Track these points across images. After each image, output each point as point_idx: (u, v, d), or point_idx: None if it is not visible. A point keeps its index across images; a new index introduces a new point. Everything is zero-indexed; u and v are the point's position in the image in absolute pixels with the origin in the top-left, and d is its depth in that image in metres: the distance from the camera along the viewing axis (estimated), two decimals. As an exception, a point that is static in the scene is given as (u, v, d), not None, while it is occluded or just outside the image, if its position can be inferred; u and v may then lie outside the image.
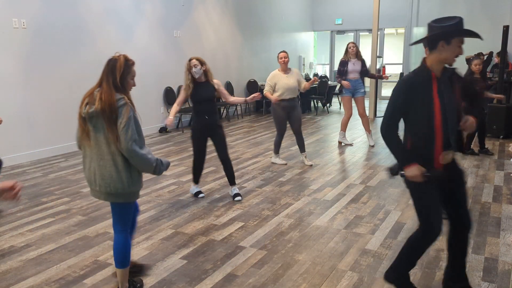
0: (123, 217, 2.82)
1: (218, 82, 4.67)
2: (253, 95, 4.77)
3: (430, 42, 2.48)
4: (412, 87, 2.49)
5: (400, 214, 4.27)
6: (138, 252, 3.49)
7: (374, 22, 10.46)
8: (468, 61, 9.82)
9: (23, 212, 4.40)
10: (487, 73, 8.91)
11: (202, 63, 4.49)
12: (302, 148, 6.18)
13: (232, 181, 4.81)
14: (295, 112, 5.96)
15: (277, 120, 6.02)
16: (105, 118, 2.57)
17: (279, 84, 5.78)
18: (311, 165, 6.10)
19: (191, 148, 4.82)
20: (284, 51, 5.90)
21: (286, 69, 5.85)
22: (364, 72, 7.21)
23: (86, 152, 2.72)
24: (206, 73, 4.53)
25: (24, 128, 6.47)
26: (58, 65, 6.86)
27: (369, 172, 5.80)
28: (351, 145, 7.45)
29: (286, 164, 6.19)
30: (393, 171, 2.65)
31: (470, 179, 5.38)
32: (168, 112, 9.23)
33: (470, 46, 10.10)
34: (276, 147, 6.23)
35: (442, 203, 2.66)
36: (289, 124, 6.02)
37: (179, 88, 9.56)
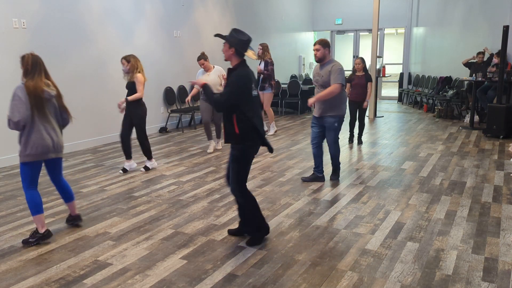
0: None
1: (138, 78, 5.57)
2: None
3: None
4: None
5: (400, 214, 4.27)
6: (138, 252, 3.49)
7: (374, 22, 10.46)
8: (467, 64, 9.85)
9: (23, 212, 4.41)
10: (487, 74, 8.92)
11: (128, 61, 5.57)
12: (218, 135, 7.28)
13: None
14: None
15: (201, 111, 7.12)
16: (59, 99, 3.71)
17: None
18: (220, 148, 7.24)
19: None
20: (200, 59, 6.78)
21: (207, 70, 6.84)
22: (265, 71, 8.28)
23: (38, 125, 3.52)
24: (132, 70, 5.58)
25: (24, 128, 6.46)
26: (58, 65, 6.86)
27: (369, 172, 5.81)
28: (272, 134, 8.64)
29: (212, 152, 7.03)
30: None
31: (470, 179, 5.38)
32: (168, 112, 9.24)
33: (470, 47, 10.14)
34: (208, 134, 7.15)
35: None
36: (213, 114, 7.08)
37: (179, 88, 9.57)
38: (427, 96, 11.70)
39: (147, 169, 5.96)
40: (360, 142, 7.61)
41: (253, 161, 6.47)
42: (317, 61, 5.08)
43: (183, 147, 7.42)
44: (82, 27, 7.26)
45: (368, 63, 10.41)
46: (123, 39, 8.06)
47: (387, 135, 8.47)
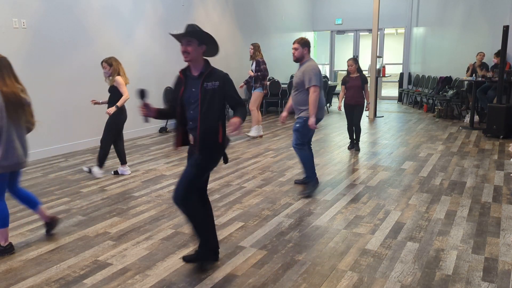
0: None
1: (117, 80, 5.37)
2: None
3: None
4: None
5: (400, 214, 4.27)
6: (138, 252, 3.49)
7: (374, 22, 10.46)
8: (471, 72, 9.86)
9: (23, 212, 4.40)
10: (488, 73, 8.92)
11: (109, 64, 5.38)
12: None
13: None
14: None
15: None
16: (28, 105, 3.40)
17: None
18: None
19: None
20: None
21: None
22: (258, 72, 8.12)
23: (14, 134, 3.29)
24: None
25: (24, 128, 6.46)
26: (58, 65, 6.87)
27: (369, 172, 5.81)
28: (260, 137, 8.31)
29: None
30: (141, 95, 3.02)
31: (470, 179, 5.38)
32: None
33: (470, 47, 10.14)
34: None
35: None
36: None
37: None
38: (427, 96, 11.70)
39: (90, 172, 5.69)
40: (357, 149, 7.09)
41: (253, 161, 6.48)
42: (295, 61, 4.93)
43: (183, 147, 7.40)
44: (82, 27, 7.26)
45: (368, 63, 10.41)
46: (123, 39, 8.06)
47: (387, 135, 8.47)
